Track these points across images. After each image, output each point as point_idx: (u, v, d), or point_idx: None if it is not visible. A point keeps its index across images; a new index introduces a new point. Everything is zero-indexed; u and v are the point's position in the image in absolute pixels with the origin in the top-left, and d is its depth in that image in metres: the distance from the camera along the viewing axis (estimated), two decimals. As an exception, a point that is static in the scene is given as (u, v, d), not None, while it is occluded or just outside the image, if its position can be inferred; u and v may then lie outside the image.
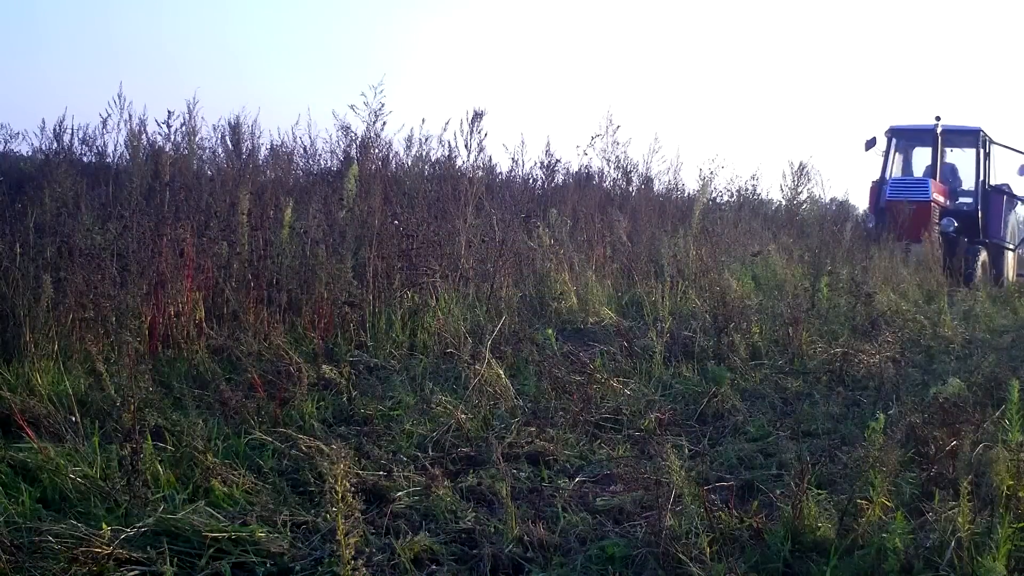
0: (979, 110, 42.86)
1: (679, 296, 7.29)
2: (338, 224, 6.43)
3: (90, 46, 29.63)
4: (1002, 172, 14.20)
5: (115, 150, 8.99)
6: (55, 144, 8.74)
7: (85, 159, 8.89)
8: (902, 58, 41.54)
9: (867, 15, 42.34)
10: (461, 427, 4.15)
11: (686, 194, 12.00)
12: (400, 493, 3.44)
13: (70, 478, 3.20)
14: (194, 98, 8.99)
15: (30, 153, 9.35)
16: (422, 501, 3.40)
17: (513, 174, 10.66)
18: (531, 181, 10.68)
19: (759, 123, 34.65)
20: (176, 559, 2.79)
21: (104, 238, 5.44)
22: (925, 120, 13.52)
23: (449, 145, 9.48)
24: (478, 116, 9.19)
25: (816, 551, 3.00)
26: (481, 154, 9.36)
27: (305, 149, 9.95)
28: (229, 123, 9.49)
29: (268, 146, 9.71)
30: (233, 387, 4.26)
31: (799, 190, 13.09)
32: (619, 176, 11.48)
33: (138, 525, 2.90)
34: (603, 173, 11.47)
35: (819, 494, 3.39)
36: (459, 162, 9.33)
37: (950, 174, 14.13)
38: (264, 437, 3.82)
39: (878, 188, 13.58)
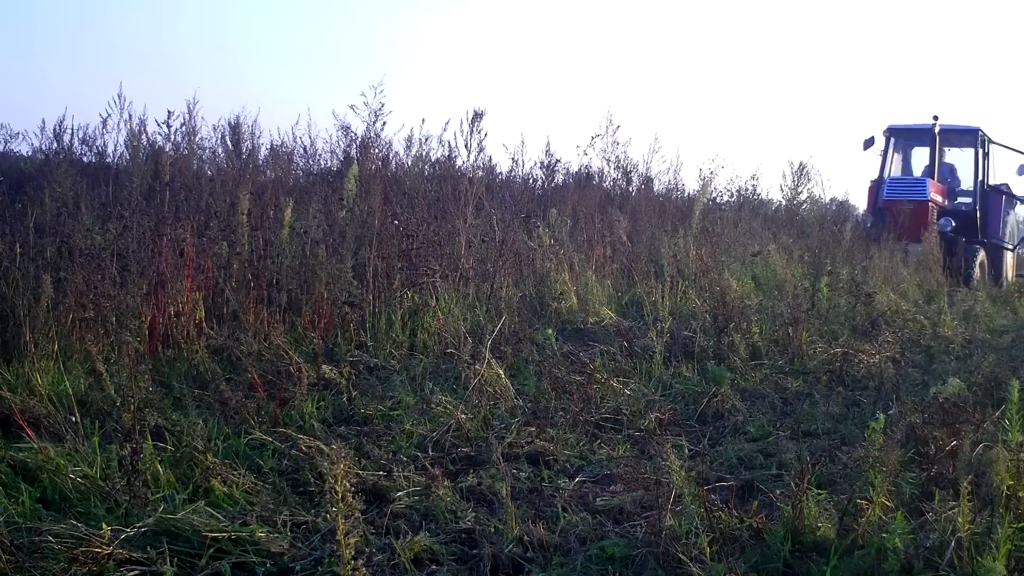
0: (978, 110, 42.89)
1: (679, 296, 7.29)
2: (338, 224, 6.43)
3: (90, 46, 29.65)
4: (1001, 172, 14.17)
5: (115, 150, 8.98)
6: (55, 144, 8.72)
7: (85, 159, 8.87)
8: (901, 58, 41.60)
9: (867, 15, 42.37)
10: (461, 427, 4.15)
11: (686, 194, 11.98)
12: (400, 493, 3.44)
13: (70, 478, 3.20)
14: (194, 98, 8.98)
15: (30, 153, 9.32)
16: (422, 501, 3.40)
17: (513, 174, 10.65)
18: (531, 181, 10.66)
19: (759, 123, 34.72)
20: (176, 559, 2.79)
21: (104, 238, 5.43)
22: (924, 120, 13.47)
23: (449, 145, 9.47)
24: (478, 116, 9.19)
25: (816, 551, 3.00)
26: (481, 154, 9.36)
27: (305, 149, 9.94)
28: (229, 123, 9.48)
29: (268, 146, 9.69)
30: (233, 387, 4.26)
31: (799, 190, 13.06)
32: (619, 176, 11.47)
33: (138, 525, 2.90)
34: (603, 173, 11.46)
35: (819, 494, 3.39)
36: (459, 162, 9.33)
37: (949, 174, 14.09)
38: (264, 437, 3.82)
39: (876, 188, 13.54)
